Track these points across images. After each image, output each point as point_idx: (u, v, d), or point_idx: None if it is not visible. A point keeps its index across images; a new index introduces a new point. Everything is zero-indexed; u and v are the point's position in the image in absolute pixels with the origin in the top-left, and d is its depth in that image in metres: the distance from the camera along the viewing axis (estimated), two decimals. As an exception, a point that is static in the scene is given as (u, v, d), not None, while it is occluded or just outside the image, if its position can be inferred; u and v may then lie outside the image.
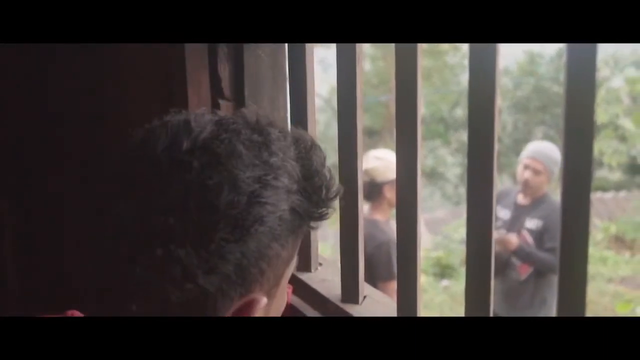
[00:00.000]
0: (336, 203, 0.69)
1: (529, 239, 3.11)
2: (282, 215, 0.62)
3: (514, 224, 3.19)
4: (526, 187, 3.18)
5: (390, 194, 2.83)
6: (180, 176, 0.58)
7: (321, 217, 0.68)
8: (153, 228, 0.57)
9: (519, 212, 3.19)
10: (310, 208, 0.66)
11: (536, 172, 3.15)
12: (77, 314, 0.72)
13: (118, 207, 0.59)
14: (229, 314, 0.63)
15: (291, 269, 0.70)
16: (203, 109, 0.66)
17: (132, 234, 0.58)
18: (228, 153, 0.59)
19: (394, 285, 2.72)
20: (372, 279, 2.65)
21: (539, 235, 3.10)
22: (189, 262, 0.57)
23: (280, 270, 0.65)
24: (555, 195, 3.29)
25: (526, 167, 3.17)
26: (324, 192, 0.67)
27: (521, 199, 3.21)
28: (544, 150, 3.24)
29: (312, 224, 0.68)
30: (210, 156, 0.59)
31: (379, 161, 2.89)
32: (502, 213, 3.21)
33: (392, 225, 2.92)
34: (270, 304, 0.67)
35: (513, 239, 3.05)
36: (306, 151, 0.67)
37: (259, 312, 0.64)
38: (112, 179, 0.63)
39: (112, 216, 0.59)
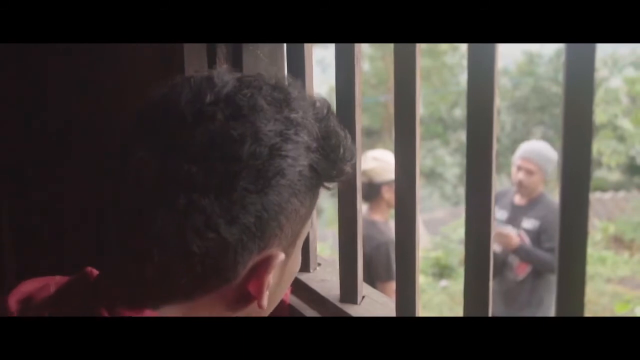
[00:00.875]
0: (350, 166, 0.70)
1: (526, 239, 3.11)
2: (301, 171, 0.63)
3: (510, 225, 3.19)
4: (521, 188, 3.18)
5: (388, 194, 2.84)
6: (204, 127, 0.59)
7: (337, 176, 0.69)
8: (176, 177, 0.58)
9: (516, 213, 3.19)
10: (327, 167, 0.67)
11: (529, 172, 3.14)
12: (95, 271, 0.71)
13: (139, 156, 0.59)
14: (247, 268, 0.63)
15: (307, 229, 0.71)
16: (224, 67, 0.67)
17: (155, 183, 0.58)
18: (251, 106, 0.60)
19: (393, 285, 2.73)
20: (371, 280, 2.66)
21: (536, 236, 3.10)
22: (211, 211, 0.58)
23: (297, 227, 0.67)
24: (553, 195, 3.30)
25: (519, 168, 3.17)
26: (341, 151, 0.68)
27: (518, 200, 3.21)
28: (536, 150, 3.24)
29: (328, 184, 0.69)
30: (234, 108, 0.60)
31: (377, 162, 2.89)
32: (499, 214, 3.21)
33: (391, 226, 2.93)
34: (286, 262, 0.68)
35: (514, 236, 3.05)
36: (324, 113, 0.68)
37: (276, 269, 0.65)
38: (133, 128, 0.63)
39: (134, 165, 0.60)
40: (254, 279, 0.65)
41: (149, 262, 0.60)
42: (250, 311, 0.69)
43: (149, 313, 0.63)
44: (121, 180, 0.62)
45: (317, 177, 0.66)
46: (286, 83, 0.66)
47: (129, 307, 0.63)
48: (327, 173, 0.67)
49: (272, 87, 0.64)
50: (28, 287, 0.72)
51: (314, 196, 0.68)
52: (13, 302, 0.69)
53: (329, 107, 0.69)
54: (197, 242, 0.59)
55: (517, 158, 3.21)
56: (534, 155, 3.17)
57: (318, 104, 0.68)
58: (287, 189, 0.62)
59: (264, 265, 0.64)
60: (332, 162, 0.67)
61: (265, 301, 0.66)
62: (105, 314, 0.62)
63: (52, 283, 0.71)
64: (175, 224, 0.58)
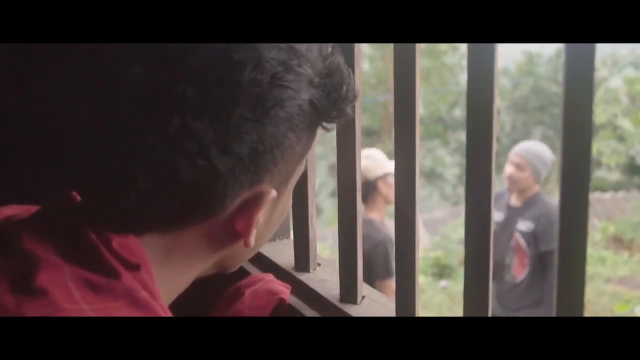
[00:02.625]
0: (351, 107, 0.68)
1: (521, 242, 3.11)
2: (301, 105, 0.60)
3: (506, 226, 3.20)
4: (511, 183, 3.19)
5: (385, 189, 2.85)
6: (204, 47, 0.56)
7: (337, 116, 0.66)
8: (170, 97, 0.55)
9: (511, 214, 3.19)
10: (328, 105, 0.64)
11: (518, 167, 3.15)
12: (77, 196, 0.69)
13: (134, 71, 0.56)
14: (237, 203, 0.61)
15: (301, 169, 0.68)
16: None
17: (147, 102, 0.55)
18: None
19: (391, 283, 2.74)
20: (369, 278, 2.66)
21: (531, 238, 3.09)
22: (204, 137, 0.55)
23: (292, 165, 0.64)
24: (553, 195, 3.29)
25: (510, 163, 3.18)
26: (343, 90, 0.66)
27: (513, 201, 3.22)
28: (527, 147, 3.26)
29: (327, 124, 0.66)
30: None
31: (368, 159, 2.91)
32: (495, 216, 3.22)
33: (388, 224, 2.93)
34: (276, 201, 0.66)
35: None
36: (330, 51, 0.65)
37: (266, 207, 0.63)
38: (127, 47, 0.60)
39: (128, 79, 0.56)
40: (243, 215, 0.62)
41: (134, 186, 0.57)
42: (235, 250, 0.67)
43: (132, 239, 0.61)
44: (111, 97, 0.58)
45: (316, 114, 0.63)
46: None
47: (113, 231, 0.60)
48: (326, 111, 0.64)
49: None
50: (10, 210, 0.70)
51: (311, 135, 0.65)
52: None
53: (335, 48, 0.66)
54: (187, 168, 0.56)
55: (510, 154, 3.22)
56: (525, 151, 3.18)
57: (324, 43, 0.65)
58: (285, 121, 0.59)
59: (254, 201, 0.62)
60: (333, 101, 0.64)
61: (252, 239, 0.64)
62: (92, 235, 0.60)
63: (34, 207, 0.69)
64: (165, 147, 0.55)
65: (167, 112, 0.55)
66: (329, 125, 0.67)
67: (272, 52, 0.58)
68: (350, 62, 0.94)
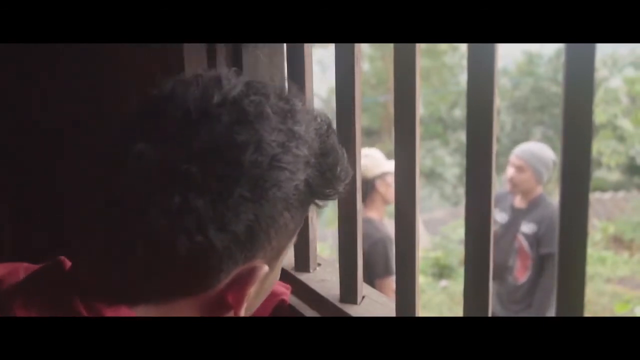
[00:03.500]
0: (344, 186, 0.70)
1: (524, 244, 3.10)
2: (297, 185, 0.62)
3: (510, 228, 3.18)
4: (512, 185, 3.18)
5: (383, 188, 2.84)
6: (209, 127, 0.58)
7: (330, 195, 0.69)
8: (174, 174, 0.57)
9: (515, 216, 3.18)
10: (322, 184, 0.66)
11: (519, 168, 3.14)
12: (67, 261, 0.70)
13: (138, 148, 0.58)
14: (230, 277, 0.63)
15: (291, 244, 0.70)
16: (233, 70, 0.66)
17: (151, 177, 0.57)
18: (257, 113, 0.60)
19: (390, 282, 2.73)
20: (369, 277, 2.66)
21: (534, 240, 3.08)
22: (204, 214, 0.57)
23: (284, 241, 0.66)
24: (554, 195, 3.29)
25: (511, 165, 3.18)
26: (337, 170, 0.68)
27: (517, 202, 3.20)
28: (528, 148, 3.25)
29: (320, 202, 0.68)
30: (240, 113, 0.59)
31: (366, 158, 2.91)
32: (499, 217, 3.21)
33: (386, 223, 2.93)
34: (268, 275, 0.67)
35: None
36: (325, 128, 0.67)
37: (258, 280, 0.64)
38: (134, 118, 0.62)
39: (131, 155, 0.58)
40: (235, 289, 0.64)
41: (132, 257, 0.59)
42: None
43: (125, 311, 0.62)
44: (116, 169, 0.60)
45: (310, 193, 0.66)
46: (289, 91, 0.66)
47: (105, 302, 0.61)
48: (320, 190, 0.67)
49: (279, 97, 0.63)
50: None
51: (304, 212, 0.67)
52: None
53: (329, 124, 0.69)
54: (185, 243, 0.57)
55: (511, 156, 3.22)
56: (525, 153, 3.18)
57: (319, 118, 0.67)
58: (282, 201, 0.61)
59: (247, 276, 0.63)
60: (327, 180, 0.67)
61: (242, 312, 0.66)
62: (80, 306, 0.61)
63: (20, 268, 0.70)
64: (166, 221, 0.57)
65: (170, 188, 0.57)
66: (321, 203, 0.69)
67: (273, 135, 0.60)
68: (350, 62, 0.94)
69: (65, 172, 1.56)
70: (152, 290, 0.63)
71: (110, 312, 0.61)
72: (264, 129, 0.59)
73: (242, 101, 0.60)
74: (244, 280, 0.63)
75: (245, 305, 0.65)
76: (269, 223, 0.61)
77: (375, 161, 2.89)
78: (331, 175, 0.67)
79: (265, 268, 0.64)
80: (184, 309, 0.65)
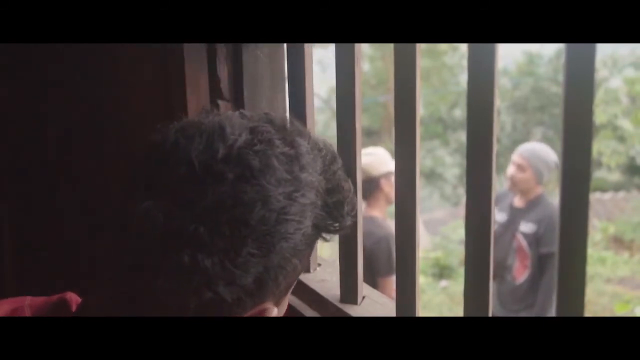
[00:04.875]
0: (351, 219, 0.71)
1: (523, 243, 3.10)
2: (305, 232, 0.62)
3: (509, 227, 3.18)
4: (513, 184, 3.18)
5: (387, 187, 2.83)
6: (215, 187, 0.57)
7: (337, 231, 0.69)
8: (182, 235, 0.57)
9: (514, 215, 3.18)
10: (329, 222, 0.67)
11: (520, 168, 3.14)
12: (75, 297, 0.70)
13: (144, 207, 0.58)
14: None
15: (298, 276, 0.71)
16: (237, 113, 0.66)
17: (159, 238, 0.57)
18: (262, 167, 0.59)
19: (393, 280, 2.72)
20: (371, 275, 2.65)
21: (533, 240, 3.08)
22: (213, 273, 0.57)
23: (291, 280, 0.67)
24: (554, 196, 3.28)
25: (512, 164, 3.18)
26: (345, 208, 0.69)
27: (517, 202, 3.20)
28: (529, 148, 3.25)
29: (327, 236, 0.69)
30: (245, 168, 0.58)
31: (372, 156, 2.89)
32: (498, 216, 3.20)
33: (389, 221, 2.92)
34: (277, 313, 0.67)
35: None
36: (330, 163, 0.68)
37: None
38: (137, 176, 0.62)
39: (138, 216, 0.58)
40: None
41: (140, 312, 0.60)
42: None
43: None
44: (122, 231, 0.60)
45: (317, 233, 0.66)
46: (291, 125, 0.66)
47: None
48: (327, 228, 0.67)
49: (284, 140, 0.63)
50: (1, 309, 0.70)
51: (312, 250, 0.68)
52: None
53: (334, 155, 0.69)
54: (195, 301, 0.58)
55: (512, 155, 3.22)
56: (527, 152, 3.18)
57: (324, 151, 0.67)
58: (290, 250, 0.61)
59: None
60: (334, 218, 0.67)
61: None
62: None
63: (25, 305, 0.70)
64: (175, 282, 0.57)
65: (179, 248, 0.57)
66: (328, 237, 0.69)
67: (279, 188, 0.59)
68: (351, 62, 0.94)
69: (66, 172, 1.56)
70: None
71: None
72: (270, 182, 0.59)
73: (247, 155, 0.59)
74: None
75: None
76: (277, 272, 0.61)
77: (381, 160, 2.88)
78: (338, 213, 0.68)
79: (275, 311, 0.65)
80: None
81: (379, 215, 2.87)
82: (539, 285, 3.06)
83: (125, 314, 0.61)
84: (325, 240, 0.70)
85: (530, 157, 3.13)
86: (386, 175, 2.83)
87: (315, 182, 0.63)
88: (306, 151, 0.64)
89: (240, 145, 0.60)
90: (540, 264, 3.06)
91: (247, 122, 0.63)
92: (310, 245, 0.66)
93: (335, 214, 0.67)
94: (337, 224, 0.68)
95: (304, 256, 0.65)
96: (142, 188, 0.59)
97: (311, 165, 0.64)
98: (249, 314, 0.63)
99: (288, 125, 0.66)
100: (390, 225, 2.86)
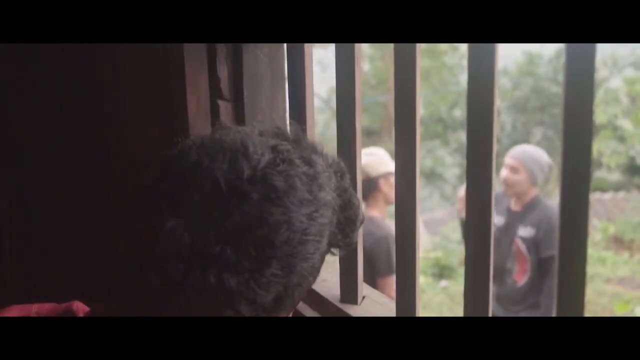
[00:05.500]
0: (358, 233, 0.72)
1: (522, 248, 3.09)
2: (322, 250, 0.64)
3: (507, 231, 3.17)
4: (507, 187, 3.16)
5: (386, 187, 2.83)
6: (241, 208, 0.58)
7: (346, 245, 0.71)
8: (208, 254, 0.57)
9: (512, 219, 3.16)
10: (339, 238, 0.68)
11: (513, 169, 3.12)
12: (82, 305, 0.71)
13: (169, 227, 0.58)
14: None
15: None
16: (254, 129, 0.66)
17: (185, 256, 0.57)
18: (287, 188, 0.60)
19: (392, 280, 2.72)
20: (371, 275, 2.65)
21: (532, 244, 3.07)
22: (237, 292, 0.58)
23: (304, 292, 0.67)
24: (553, 196, 3.27)
25: (506, 166, 3.17)
26: (356, 224, 0.70)
27: (513, 205, 3.19)
28: (522, 149, 3.24)
29: (335, 250, 0.70)
30: (270, 190, 0.59)
31: (371, 156, 2.89)
32: (495, 219, 3.18)
33: (389, 221, 2.92)
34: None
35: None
36: (341, 179, 0.69)
37: None
38: (158, 192, 0.61)
39: (163, 234, 0.58)
40: None
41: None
42: None
43: None
44: (146, 248, 0.60)
45: (329, 248, 0.67)
46: (310, 145, 0.66)
47: None
48: (338, 244, 0.69)
49: (303, 159, 0.63)
50: (10, 314, 0.71)
51: (323, 263, 0.68)
52: None
53: (342, 169, 0.70)
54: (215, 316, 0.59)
55: (505, 157, 3.21)
56: (520, 153, 3.16)
57: (334, 167, 0.68)
58: (308, 269, 0.62)
59: None
60: (345, 234, 0.69)
61: None
62: None
63: (31, 313, 0.71)
64: (199, 300, 0.58)
65: (205, 268, 0.57)
66: (336, 251, 0.70)
67: (302, 209, 0.60)
68: (351, 62, 0.94)
69: (66, 171, 1.56)
70: None
71: None
72: (294, 203, 0.60)
73: (272, 175, 0.60)
74: None
75: None
76: (295, 289, 0.62)
77: (380, 160, 2.87)
78: (349, 229, 0.69)
79: None
80: None
81: (378, 216, 2.87)
82: (543, 288, 3.04)
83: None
84: (333, 254, 0.71)
85: (523, 159, 3.11)
86: (385, 175, 2.83)
87: (331, 201, 0.65)
88: (322, 170, 0.65)
89: (264, 165, 0.60)
90: (542, 267, 3.05)
91: (267, 140, 0.64)
92: (323, 261, 0.67)
93: (347, 230, 0.69)
94: (347, 239, 0.70)
95: (318, 272, 0.67)
96: (166, 205, 0.59)
97: (327, 184, 0.65)
98: None
99: (302, 140, 0.67)
100: (390, 225, 2.86)
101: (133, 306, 0.62)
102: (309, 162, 0.64)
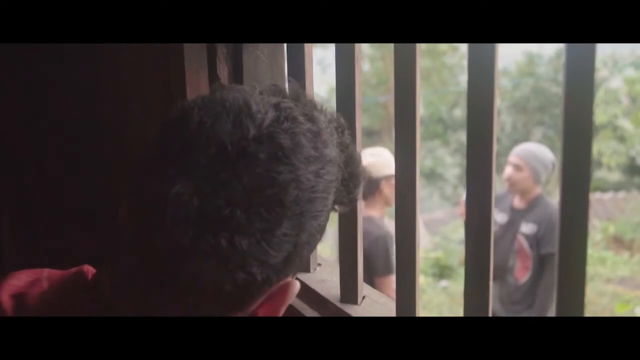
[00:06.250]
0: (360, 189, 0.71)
1: (524, 244, 3.10)
2: (329, 208, 0.63)
3: (509, 228, 3.18)
4: (510, 184, 3.17)
5: (387, 189, 2.83)
6: (249, 169, 0.57)
7: (350, 202, 0.69)
8: (218, 217, 0.56)
9: (515, 216, 3.18)
10: (344, 195, 0.67)
11: (517, 167, 3.13)
12: (92, 269, 0.70)
13: (176, 190, 0.56)
14: (264, 297, 0.63)
15: None
16: (254, 88, 0.64)
17: (194, 220, 0.56)
18: (292, 146, 0.59)
19: (391, 279, 2.73)
20: (369, 275, 2.65)
21: (534, 241, 3.08)
22: (249, 254, 0.57)
23: (313, 250, 0.66)
24: (554, 196, 3.28)
25: (509, 164, 3.18)
26: (359, 179, 0.69)
27: (516, 203, 3.20)
28: (525, 147, 3.25)
29: (338, 207, 0.68)
30: (277, 148, 0.58)
31: (375, 157, 2.89)
32: (498, 217, 3.19)
33: (387, 221, 2.92)
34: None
35: None
36: (343, 134, 0.68)
37: (293, 297, 0.65)
38: (162, 155, 0.60)
39: (170, 199, 0.56)
40: (269, 306, 0.65)
41: (174, 297, 0.59)
42: None
43: None
44: (154, 212, 0.58)
45: (334, 206, 0.66)
46: (311, 102, 0.66)
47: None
48: (342, 201, 0.68)
49: (305, 116, 0.62)
50: (18, 280, 0.70)
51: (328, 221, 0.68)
52: (6, 297, 0.67)
53: (344, 128, 0.69)
54: (230, 282, 0.58)
55: (509, 156, 3.22)
56: (523, 152, 3.18)
57: (335, 123, 0.67)
58: (317, 227, 0.62)
59: (281, 295, 0.64)
60: (349, 190, 0.68)
61: None
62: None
63: (42, 277, 0.70)
64: (211, 264, 0.57)
65: (216, 232, 0.56)
66: (339, 208, 0.69)
67: (309, 166, 0.59)
68: (351, 62, 0.94)
69: (66, 171, 1.56)
70: (184, 319, 0.63)
71: None
72: (301, 161, 0.59)
73: (277, 134, 0.59)
74: (278, 299, 0.64)
75: None
76: (304, 248, 0.62)
77: (384, 162, 2.88)
78: (353, 186, 0.68)
79: (297, 285, 0.65)
80: None
81: (376, 215, 2.88)
82: (539, 285, 3.06)
83: (158, 304, 0.60)
84: (335, 211, 0.69)
85: (526, 157, 3.13)
86: (387, 178, 2.84)
87: (336, 157, 0.64)
88: (324, 126, 0.64)
89: (268, 124, 0.59)
90: (541, 264, 3.06)
91: (268, 98, 0.63)
92: (328, 219, 0.66)
93: (350, 186, 0.67)
94: (351, 195, 0.68)
95: (324, 230, 0.65)
96: (171, 169, 0.58)
97: (330, 140, 0.64)
98: (273, 289, 0.63)
99: (302, 97, 0.65)
100: (388, 224, 2.86)
101: (141, 274, 0.61)
102: (312, 119, 0.63)
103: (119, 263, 0.63)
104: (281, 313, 0.65)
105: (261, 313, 0.65)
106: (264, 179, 0.57)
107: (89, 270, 0.69)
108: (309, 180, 0.59)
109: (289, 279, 0.65)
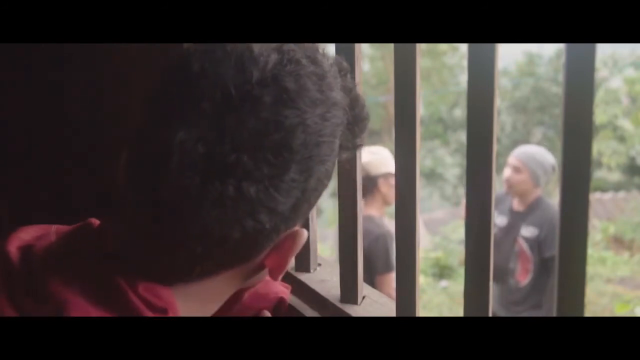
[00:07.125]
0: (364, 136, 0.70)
1: (525, 247, 3.09)
2: (335, 152, 0.62)
3: (509, 231, 3.17)
4: (508, 186, 3.17)
5: (385, 188, 2.83)
6: (254, 114, 0.55)
7: (354, 148, 0.68)
8: (224, 164, 0.55)
9: (515, 219, 3.17)
10: (350, 139, 0.66)
11: (516, 170, 3.13)
12: (97, 222, 0.69)
13: (180, 137, 0.55)
14: (271, 246, 0.63)
15: None
16: None
17: (200, 168, 0.55)
18: (297, 88, 0.58)
19: (391, 278, 2.73)
20: (369, 273, 2.65)
21: (535, 244, 3.07)
22: (257, 201, 0.56)
23: (319, 197, 0.65)
24: (553, 196, 3.28)
25: (508, 166, 3.17)
26: (364, 123, 0.68)
27: (516, 205, 3.19)
28: (525, 150, 3.25)
29: (344, 153, 0.67)
30: (282, 91, 0.57)
31: (374, 155, 2.90)
32: (498, 220, 3.18)
33: (387, 220, 2.92)
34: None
35: None
36: (346, 78, 0.66)
37: (301, 246, 0.65)
38: (164, 102, 0.59)
39: (175, 146, 0.55)
40: (276, 256, 0.64)
41: (182, 247, 0.59)
42: (256, 278, 0.69)
43: (164, 291, 0.62)
44: (158, 161, 0.56)
45: (339, 151, 0.65)
46: (312, 45, 0.64)
47: (144, 279, 0.61)
48: (347, 145, 0.66)
49: (309, 59, 0.61)
50: (26, 234, 0.69)
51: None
52: (13, 249, 0.66)
53: (347, 70, 0.68)
54: (237, 229, 0.57)
55: (509, 157, 3.22)
56: (523, 154, 3.17)
57: (337, 66, 0.66)
58: (324, 172, 0.61)
59: (289, 243, 0.63)
60: (355, 134, 0.67)
61: (281, 276, 0.66)
62: (121, 280, 0.60)
63: (50, 232, 0.69)
64: (219, 212, 0.56)
65: (223, 179, 0.55)
66: (345, 154, 0.68)
67: (315, 109, 0.58)
68: (351, 62, 0.94)
69: (67, 171, 1.56)
70: (195, 271, 0.62)
71: (144, 284, 0.61)
72: (307, 104, 0.58)
73: (282, 77, 0.57)
74: (285, 248, 0.64)
75: (285, 269, 0.66)
76: (312, 194, 0.61)
77: (382, 160, 2.88)
78: (359, 129, 0.67)
79: (305, 233, 0.64)
80: (222, 281, 0.65)
81: (376, 214, 2.88)
82: (545, 288, 3.05)
83: (165, 255, 0.60)
84: (341, 157, 0.68)
85: (526, 160, 3.12)
86: (385, 176, 2.84)
87: (341, 100, 0.62)
88: (328, 69, 0.62)
89: (272, 66, 0.58)
90: (545, 267, 3.05)
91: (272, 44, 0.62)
92: (335, 165, 0.65)
93: (356, 130, 0.66)
94: (357, 140, 0.67)
95: (331, 176, 0.65)
96: (174, 117, 0.56)
97: (334, 83, 0.62)
98: (281, 238, 0.62)
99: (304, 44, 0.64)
100: (388, 224, 2.86)
101: (148, 224, 0.60)
102: (315, 62, 0.61)
103: (124, 214, 0.62)
104: (289, 263, 0.64)
105: (269, 263, 0.64)
106: (270, 123, 0.56)
107: (96, 222, 0.68)
108: (315, 123, 0.58)
109: (296, 227, 0.64)
